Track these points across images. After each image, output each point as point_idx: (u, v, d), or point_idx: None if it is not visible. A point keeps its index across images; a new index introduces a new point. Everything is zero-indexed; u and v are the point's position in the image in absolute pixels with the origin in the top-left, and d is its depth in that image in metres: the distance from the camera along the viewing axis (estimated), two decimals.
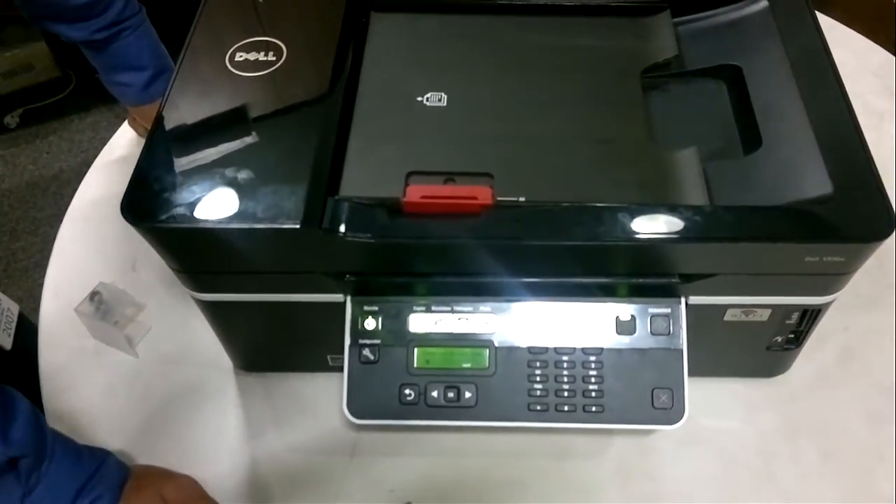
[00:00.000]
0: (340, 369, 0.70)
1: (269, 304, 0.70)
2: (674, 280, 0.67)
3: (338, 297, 0.70)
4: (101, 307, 0.82)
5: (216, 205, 0.61)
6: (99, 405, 0.82)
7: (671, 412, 0.68)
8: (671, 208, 0.62)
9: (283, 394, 0.82)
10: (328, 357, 0.78)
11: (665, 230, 0.61)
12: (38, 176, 2.09)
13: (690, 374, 0.68)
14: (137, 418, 0.81)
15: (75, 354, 0.86)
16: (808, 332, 0.73)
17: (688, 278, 0.66)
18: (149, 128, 1.00)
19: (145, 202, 0.61)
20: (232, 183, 0.62)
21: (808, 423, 0.78)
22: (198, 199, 0.61)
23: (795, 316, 0.70)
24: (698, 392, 0.69)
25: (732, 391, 0.80)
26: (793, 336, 0.74)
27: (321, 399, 0.80)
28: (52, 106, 2.21)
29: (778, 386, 0.80)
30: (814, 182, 0.63)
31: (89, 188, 1.03)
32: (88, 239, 0.96)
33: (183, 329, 0.86)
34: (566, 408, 0.68)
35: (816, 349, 0.78)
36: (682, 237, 0.61)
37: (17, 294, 1.83)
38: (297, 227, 0.59)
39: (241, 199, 0.61)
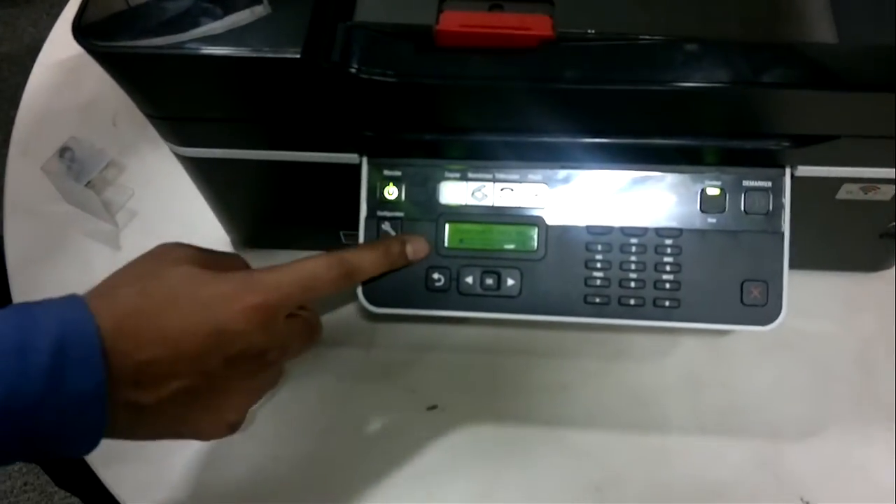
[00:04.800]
0: None
1: (266, 163, 0.57)
2: (781, 144, 0.53)
3: (351, 158, 0.57)
4: (74, 166, 0.70)
5: (195, 25, 0.47)
6: (72, 280, 0.69)
7: (764, 310, 0.55)
8: (786, 45, 0.48)
9: None
10: (340, 234, 0.66)
11: (777, 73, 0.47)
12: (38, 39, 1.94)
13: None
14: None
15: (45, 221, 0.75)
16: None
17: (799, 141, 0.52)
18: None
19: (105, 20, 0.48)
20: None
21: None
22: (173, 18, 0.48)
23: None
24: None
25: (827, 287, 0.67)
26: None
27: None
28: None
29: (882, 282, 0.67)
30: None
31: (67, 26, 0.89)
32: (62, 87, 0.83)
33: (172, 196, 0.74)
34: (632, 301, 0.56)
35: None
36: (800, 83, 0.47)
37: None
38: (298, 56, 0.46)
39: (226, 19, 0.47)
